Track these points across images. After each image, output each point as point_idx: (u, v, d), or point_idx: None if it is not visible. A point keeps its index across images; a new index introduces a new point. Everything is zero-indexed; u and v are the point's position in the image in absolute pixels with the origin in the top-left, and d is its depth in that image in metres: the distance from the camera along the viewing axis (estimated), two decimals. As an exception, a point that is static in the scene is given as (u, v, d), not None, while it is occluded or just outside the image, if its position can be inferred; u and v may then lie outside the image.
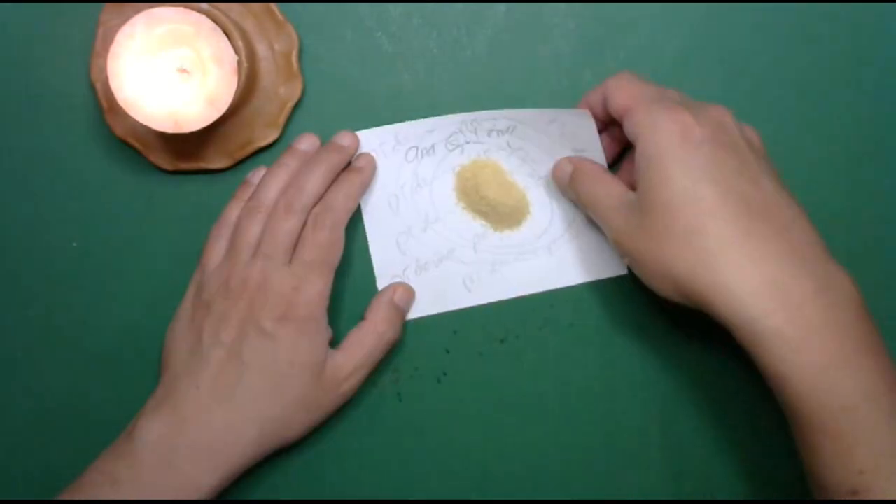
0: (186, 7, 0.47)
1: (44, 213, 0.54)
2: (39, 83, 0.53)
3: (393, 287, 0.52)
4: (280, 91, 0.52)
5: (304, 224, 0.50)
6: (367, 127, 0.52)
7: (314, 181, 0.50)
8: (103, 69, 0.49)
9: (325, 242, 0.49)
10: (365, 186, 0.52)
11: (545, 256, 0.53)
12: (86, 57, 0.52)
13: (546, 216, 0.53)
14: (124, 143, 0.53)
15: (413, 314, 0.53)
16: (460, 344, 0.54)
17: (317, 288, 0.49)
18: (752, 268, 0.43)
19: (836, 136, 0.53)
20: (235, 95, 0.48)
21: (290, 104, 0.52)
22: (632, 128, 0.46)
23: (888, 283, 0.53)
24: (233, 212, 0.51)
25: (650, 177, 0.45)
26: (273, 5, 0.52)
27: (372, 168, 0.52)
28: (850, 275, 0.44)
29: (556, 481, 0.53)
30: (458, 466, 0.53)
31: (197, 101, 0.48)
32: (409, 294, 0.53)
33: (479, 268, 0.53)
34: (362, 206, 0.53)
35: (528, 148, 0.52)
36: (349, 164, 0.52)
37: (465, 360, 0.54)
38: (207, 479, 0.47)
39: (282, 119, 0.52)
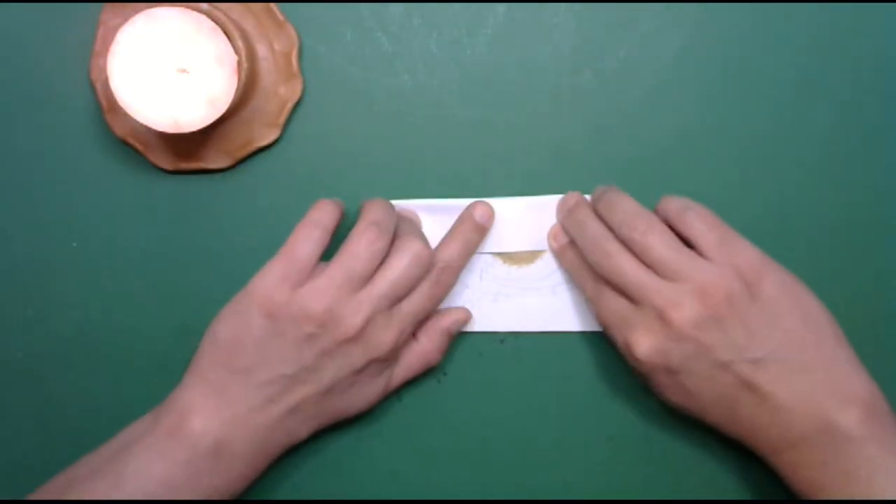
0: (186, 7, 0.47)
1: (44, 213, 0.54)
2: (39, 83, 0.53)
3: (453, 314, 0.52)
4: (280, 91, 0.52)
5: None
6: (366, 127, 0.53)
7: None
8: (103, 69, 0.49)
9: (439, 301, 0.51)
10: (478, 244, 0.52)
11: (548, 297, 0.53)
12: (86, 57, 0.52)
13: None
14: (124, 143, 0.53)
15: None
16: (460, 344, 0.54)
17: (409, 336, 0.50)
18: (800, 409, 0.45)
19: (835, 135, 0.53)
20: (235, 95, 0.48)
21: (290, 104, 0.52)
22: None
23: (886, 282, 0.53)
24: (323, 214, 0.49)
25: None
26: (273, 5, 0.52)
27: (491, 224, 0.52)
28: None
29: (555, 481, 0.53)
30: (457, 466, 0.53)
31: (197, 101, 0.48)
32: (466, 321, 0.53)
33: (480, 295, 0.53)
34: None
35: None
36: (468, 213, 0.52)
37: (465, 360, 0.54)
38: (255, 474, 0.49)
39: (282, 119, 0.52)
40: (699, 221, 0.47)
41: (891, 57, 0.53)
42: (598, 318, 0.50)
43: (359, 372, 0.49)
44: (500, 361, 0.54)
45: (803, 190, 0.53)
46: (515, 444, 0.53)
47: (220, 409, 0.47)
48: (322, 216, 0.49)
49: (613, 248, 0.48)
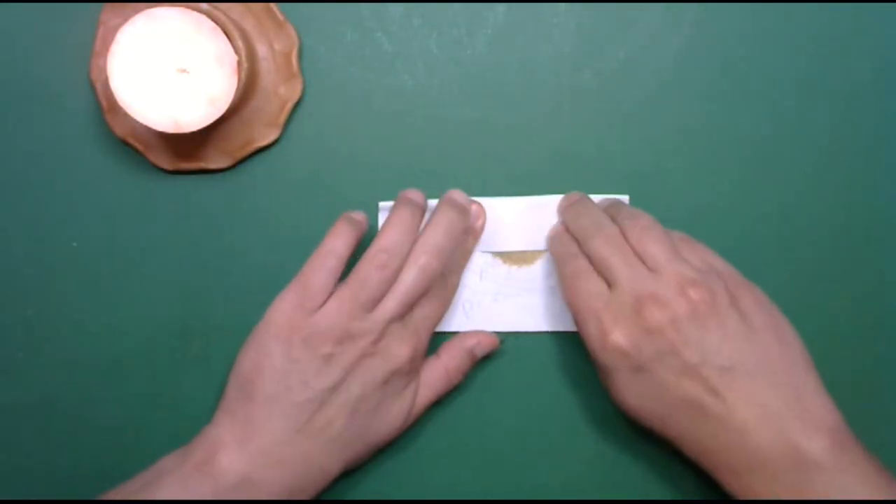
0: (186, 7, 0.47)
1: (44, 213, 0.54)
2: (39, 83, 0.53)
3: (478, 337, 0.52)
4: (280, 91, 0.52)
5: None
6: (366, 127, 0.53)
7: (446, 244, 0.50)
8: (103, 69, 0.49)
9: (447, 304, 0.52)
10: (462, 230, 0.52)
11: (548, 297, 0.53)
12: (86, 57, 0.52)
13: None
14: (124, 143, 0.53)
15: None
16: (460, 344, 0.54)
17: (427, 345, 0.51)
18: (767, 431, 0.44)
19: (836, 135, 0.53)
20: (235, 95, 0.48)
21: (290, 104, 0.52)
22: None
23: (888, 282, 0.53)
24: (338, 241, 0.49)
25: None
26: (273, 5, 0.52)
27: (483, 224, 0.53)
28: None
29: (555, 481, 0.53)
30: (457, 466, 0.53)
31: (197, 101, 0.48)
32: (492, 346, 0.52)
33: (481, 295, 0.53)
34: (380, 212, 0.53)
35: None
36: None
37: (465, 360, 0.54)
38: None
39: (282, 119, 0.52)
40: (678, 242, 0.48)
41: (891, 57, 0.53)
42: (570, 300, 0.48)
43: (382, 385, 0.48)
44: (499, 361, 0.54)
45: (804, 190, 0.53)
46: (515, 443, 0.53)
47: (246, 442, 0.46)
48: (337, 245, 0.48)
49: (613, 231, 0.48)
